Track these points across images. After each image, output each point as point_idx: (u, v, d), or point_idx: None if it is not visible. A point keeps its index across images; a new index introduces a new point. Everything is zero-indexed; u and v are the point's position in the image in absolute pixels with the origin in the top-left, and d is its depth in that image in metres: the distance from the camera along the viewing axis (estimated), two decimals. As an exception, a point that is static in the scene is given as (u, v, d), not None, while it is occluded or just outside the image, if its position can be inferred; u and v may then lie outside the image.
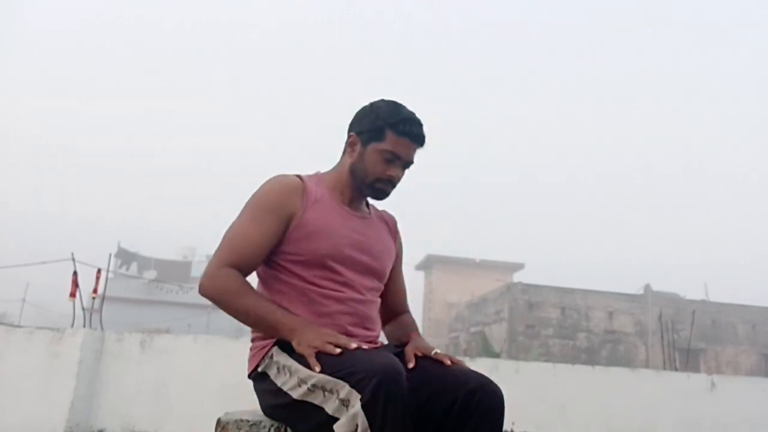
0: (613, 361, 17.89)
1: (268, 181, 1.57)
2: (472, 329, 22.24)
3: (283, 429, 1.40)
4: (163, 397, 5.34)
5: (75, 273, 7.34)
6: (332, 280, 1.52)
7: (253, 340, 1.54)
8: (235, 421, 1.40)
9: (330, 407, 1.25)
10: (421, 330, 1.73)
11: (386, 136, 1.54)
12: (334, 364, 1.28)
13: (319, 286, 1.51)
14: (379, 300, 1.65)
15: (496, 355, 15.20)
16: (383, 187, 1.58)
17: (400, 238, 1.80)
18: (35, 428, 5.03)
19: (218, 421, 1.42)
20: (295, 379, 1.34)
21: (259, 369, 1.46)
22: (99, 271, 8.07)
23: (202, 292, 1.47)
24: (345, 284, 1.53)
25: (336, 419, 1.23)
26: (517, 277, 27.63)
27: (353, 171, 1.59)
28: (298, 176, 1.59)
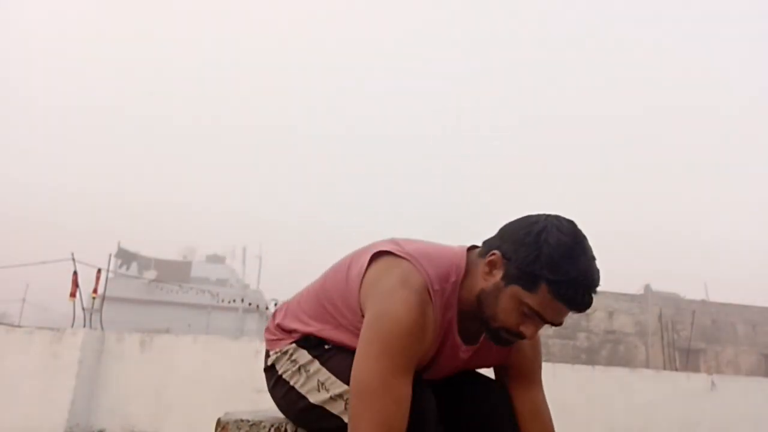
0: (613, 361, 17.86)
1: (411, 301, 1.18)
2: (472, 329, 22.22)
3: (283, 429, 1.40)
4: (163, 397, 5.34)
5: (75, 273, 7.35)
6: None
7: (272, 330, 1.47)
8: (235, 421, 1.40)
9: (347, 417, 1.24)
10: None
11: (539, 290, 1.18)
12: None
13: None
14: None
15: (496, 355, 15.20)
16: (508, 338, 1.26)
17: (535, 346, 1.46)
18: (35, 428, 5.03)
19: (218, 421, 1.42)
20: (314, 382, 1.32)
21: (271, 356, 1.43)
22: (99, 271, 8.08)
23: None
24: None
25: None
26: (517, 277, 27.61)
27: (480, 299, 1.25)
28: (427, 287, 1.22)
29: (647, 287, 19.79)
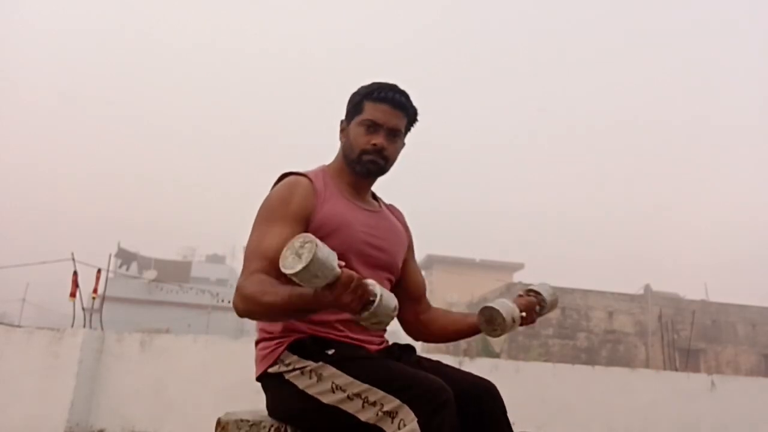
0: (613, 361, 17.86)
1: (278, 186, 1.50)
2: (472, 329, 22.17)
3: (283, 429, 1.40)
4: (163, 397, 5.34)
5: (75, 273, 7.35)
6: None
7: (258, 342, 1.50)
8: (235, 421, 1.40)
9: (365, 416, 1.24)
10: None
11: (364, 107, 1.53)
12: (378, 376, 1.28)
13: None
14: None
15: (496, 355, 15.21)
16: (372, 158, 1.52)
17: (410, 231, 1.75)
18: (35, 428, 5.03)
19: (218, 421, 1.42)
20: (327, 384, 1.32)
21: (270, 370, 1.43)
22: (99, 271, 8.08)
23: (235, 307, 1.30)
24: None
25: (368, 426, 1.23)
26: (517, 277, 27.62)
27: (344, 154, 1.57)
28: (305, 175, 1.52)
29: (647, 287, 19.78)
